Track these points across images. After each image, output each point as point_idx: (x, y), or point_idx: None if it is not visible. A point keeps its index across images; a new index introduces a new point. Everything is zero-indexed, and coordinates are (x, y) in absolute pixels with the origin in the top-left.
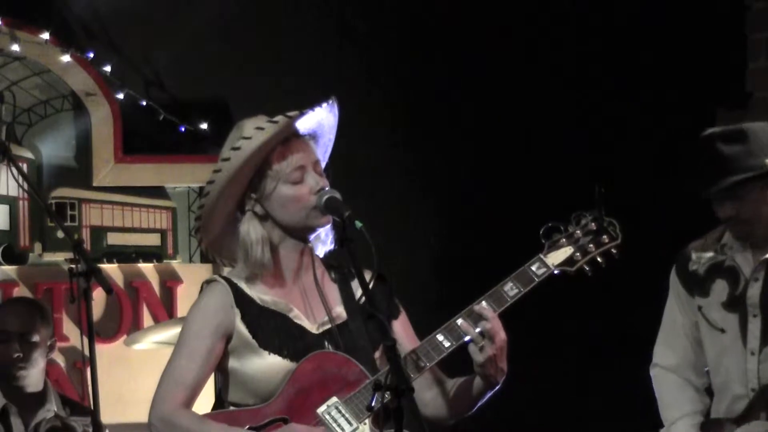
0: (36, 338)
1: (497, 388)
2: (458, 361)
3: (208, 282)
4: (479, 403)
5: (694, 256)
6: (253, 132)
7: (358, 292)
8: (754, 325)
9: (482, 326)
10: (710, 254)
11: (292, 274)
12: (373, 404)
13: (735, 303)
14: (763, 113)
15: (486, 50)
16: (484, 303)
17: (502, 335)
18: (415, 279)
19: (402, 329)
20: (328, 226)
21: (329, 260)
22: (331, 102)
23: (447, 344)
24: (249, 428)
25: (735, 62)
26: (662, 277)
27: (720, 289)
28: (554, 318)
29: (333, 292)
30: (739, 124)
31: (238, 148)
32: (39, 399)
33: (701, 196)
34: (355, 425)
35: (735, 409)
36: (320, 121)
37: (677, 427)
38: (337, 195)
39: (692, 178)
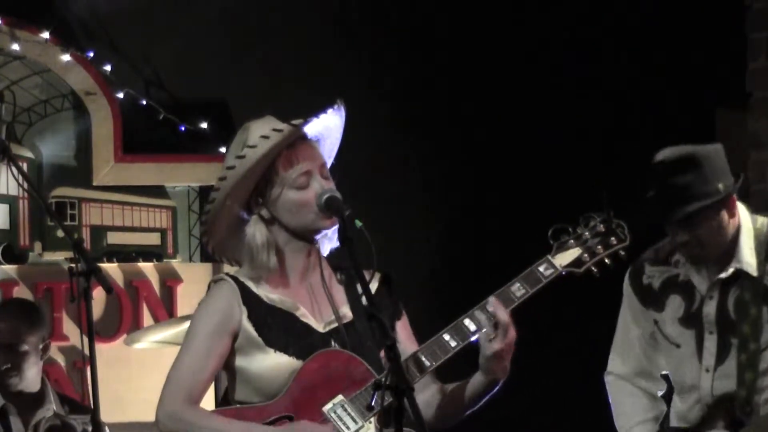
0: (24, 347)
1: (496, 389)
2: (460, 364)
3: (215, 281)
4: (472, 409)
5: (647, 269)
6: (258, 140)
7: None
8: (710, 342)
9: (497, 318)
10: (663, 268)
11: (299, 274)
12: (373, 404)
13: (691, 319)
14: (763, 113)
15: (488, 51)
16: (493, 299)
17: (513, 332)
18: (416, 280)
19: (403, 332)
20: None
21: (336, 261)
22: (337, 106)
23: (453, 344)
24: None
25: (735, 62)
26: None
27: (675, 304)
28: (557, 319)
29: (340, 292)
30: (690, 147)
31: (242, 157)
32: (37, 398)
33: (657, 224)
34: (360, 424)
35: (690, 417)
36: (327, 124)
37: None
38: (338, 194)
39: (647, 208)
